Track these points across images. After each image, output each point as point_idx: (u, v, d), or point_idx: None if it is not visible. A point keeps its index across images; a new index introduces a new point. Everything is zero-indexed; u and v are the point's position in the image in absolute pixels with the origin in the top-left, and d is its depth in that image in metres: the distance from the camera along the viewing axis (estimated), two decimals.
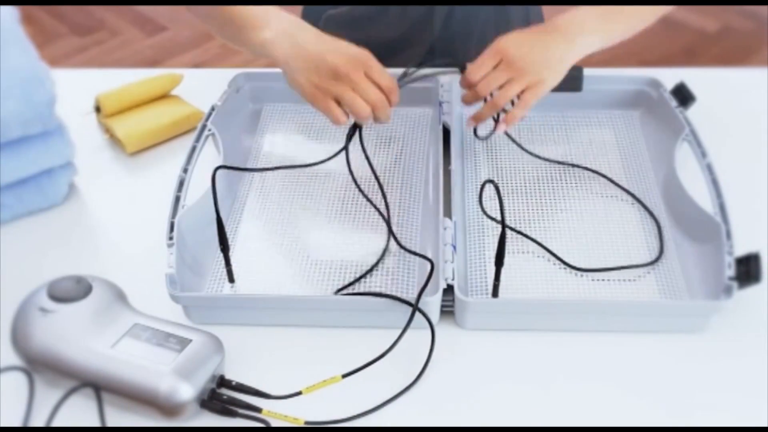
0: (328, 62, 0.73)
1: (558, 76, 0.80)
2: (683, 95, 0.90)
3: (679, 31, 2.59)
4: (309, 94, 0.75)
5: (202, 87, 0.97)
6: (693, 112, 0.88)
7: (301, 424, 0.63)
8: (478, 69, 0.79)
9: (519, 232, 0.80)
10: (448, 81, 0.93)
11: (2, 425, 0.64)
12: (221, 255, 0.74)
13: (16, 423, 0.64)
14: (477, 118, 0.83)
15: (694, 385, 0.67)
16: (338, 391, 0.65)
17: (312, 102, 0.76)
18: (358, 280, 0.75)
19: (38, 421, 0.64)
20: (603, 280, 0.75)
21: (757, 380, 0.67)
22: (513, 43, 0.80)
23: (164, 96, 0.98)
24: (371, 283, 0.75)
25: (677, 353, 0.69)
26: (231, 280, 0.75)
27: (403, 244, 0.78)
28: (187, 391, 0.62)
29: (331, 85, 0.74)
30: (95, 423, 0.64)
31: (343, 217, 0.83)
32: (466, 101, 0.83)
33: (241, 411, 0.64)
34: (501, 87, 0.79)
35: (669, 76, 0.93)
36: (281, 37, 0.76)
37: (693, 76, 0.92)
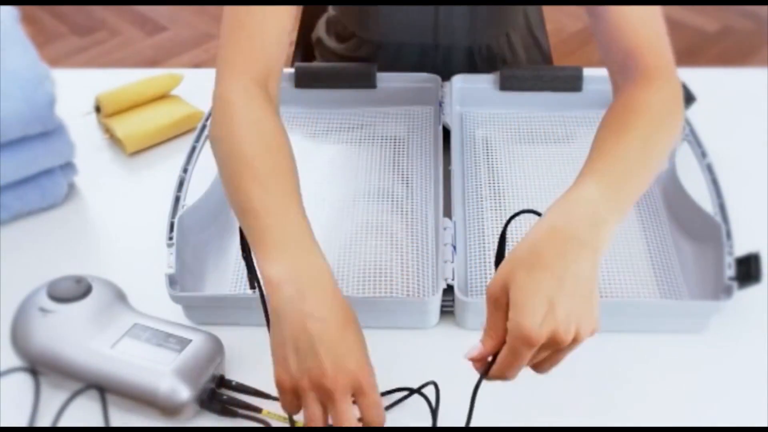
0: (318, 362, 0.56)
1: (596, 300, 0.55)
2: (683, 95, 0.90)
3: (679, 31, 2.59)
4: (277, 373, 0.58)
5: (202, 87, 0.96)
6: (693, 112, 0.88)
7: (301, 425, 0.63)
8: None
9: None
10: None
11: (8, 425, 0.64)
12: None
13: (23, 423, 0.64)
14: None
15: (694, 385, 0.67)
16: None
17: (277, 384, 0.58)
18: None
19: (43, 422, 0.64)
20: (603, 280, 0.75)
21: (757, 380, 0.67)
22: (529, 288, 0.53)
23: (164, 96, 0.98)
24: (374, 285, 0.75)
25: (677, 353, 0.69)
26: (252, 287, 0.74)
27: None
28: (186, 392, 0.62)
29: (305, 384, 0.56)
30: (98, 423, 0.64)
31: (354, 222, 0.83)
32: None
33: (241, 411, 0.64)
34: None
35: None
36: (286, 285, 0.58)
37: (693, 76, 0.92)
